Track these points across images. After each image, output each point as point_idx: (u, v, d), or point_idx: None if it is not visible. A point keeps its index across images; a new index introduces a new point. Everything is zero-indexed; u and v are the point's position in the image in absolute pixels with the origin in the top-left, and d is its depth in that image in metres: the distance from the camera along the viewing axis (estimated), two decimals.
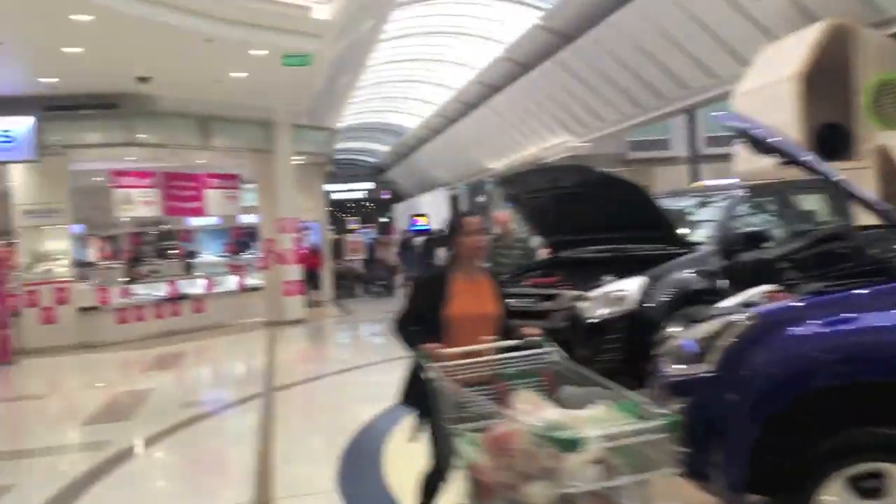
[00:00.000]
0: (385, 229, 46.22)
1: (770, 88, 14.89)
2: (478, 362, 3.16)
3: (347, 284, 22.63)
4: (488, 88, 31.71)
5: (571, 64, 24.25)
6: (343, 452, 6.36)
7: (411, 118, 44.00)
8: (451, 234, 3.67)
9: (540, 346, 3.38)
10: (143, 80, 13.34)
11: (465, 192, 45.51)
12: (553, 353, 3.32)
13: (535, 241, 14.81)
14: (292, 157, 16.76)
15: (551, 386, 3.02)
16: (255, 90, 14.91)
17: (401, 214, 51.39)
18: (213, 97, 14.87)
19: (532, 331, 3.50)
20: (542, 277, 7.15)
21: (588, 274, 6.77)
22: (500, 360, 3.19)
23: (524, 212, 7.35)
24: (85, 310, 14.55)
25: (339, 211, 50.30)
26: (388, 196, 56.03)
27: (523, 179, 7.15)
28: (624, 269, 6.57)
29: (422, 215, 28.72)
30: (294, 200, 16.82)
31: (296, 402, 8.84)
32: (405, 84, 37.28)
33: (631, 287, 6.14)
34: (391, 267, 22.17)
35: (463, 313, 3.48)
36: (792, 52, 14.97)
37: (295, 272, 16.68)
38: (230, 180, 17.34)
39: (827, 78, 14.16)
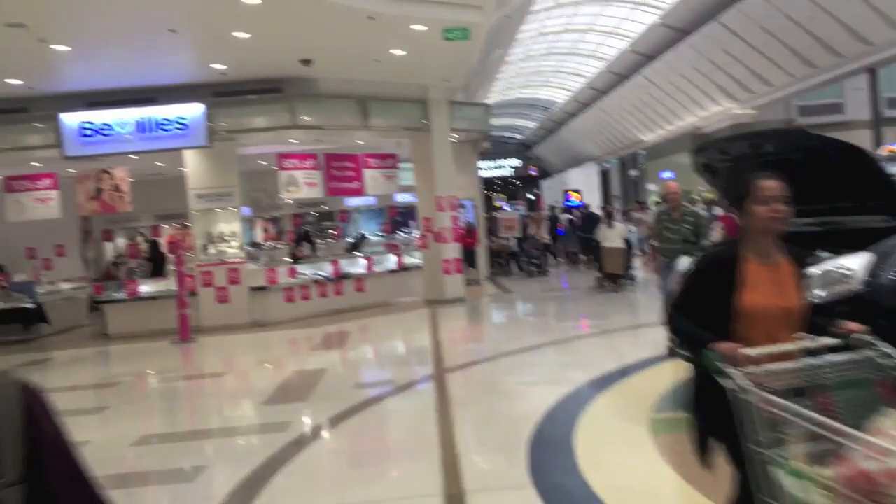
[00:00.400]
0: (533, 206, 45.67)
1: None
2: (788, 368, 2.40)
3: (502, 262, 22.32)
4: (642, 57, 30.37)
5: (734, 24, 22.68)
6: (530, 441, 5.98)
7: (560, 92, 43.03)
8: (739, 201, 2.95)
9: (869, 347, 2.60)
10: (306, 62, 13.43)
11: (616, 165, 44.18)
12: (891, 356, 2.53)
13: (706, 215, 13.88)
14: (449, 135, 16.53)
15: (890, 399, 2.34)
16: (413, 68, 14.75)
17: (548, 191, 50.59)
18: (371, 77, 14.84)
19: (856, 327, 2.72)
20: None
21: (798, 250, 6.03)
22: (817, 364, 2.43)
23: (720, 182, 6.66)
24: (255, 289, 14.97)
25: (486, 189, 50.14)
26: (534, 172, 55.35)
27: (721, 146, 6.44)
28: (841, 244, 5.80)
29: (576, 191, 27.89)
30: (451, 178, 16.60)
31: (469, 384, 8.56)
32: (554, 57, 36.36)
33: (855, 264, 5.37)
34: (544, 245, 21.39)
35: (760, 305, 2.77)
36: None
37: (454, 250, 16.50)
38: (388, 159, 17.33)
39: None
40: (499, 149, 54.24)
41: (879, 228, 5.91)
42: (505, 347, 10.31)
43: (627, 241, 16.93)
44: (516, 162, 54.14)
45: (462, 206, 19.36)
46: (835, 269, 5.42)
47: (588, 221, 22.71)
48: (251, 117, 14.85)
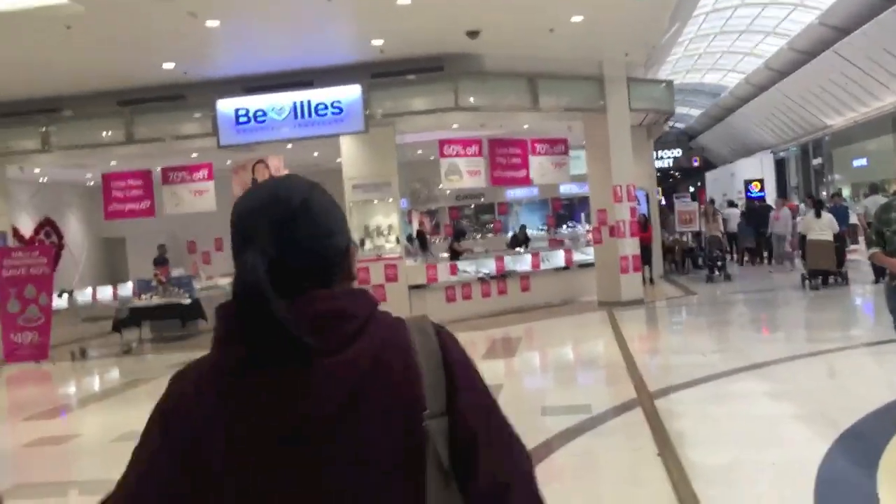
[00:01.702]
0: (696, 199, 42.50)
1: None
2: None
3: (677, 260, 20.05)
4: (832, 30, 26.95)
5: None
6: None
7: (731, 75, 39.64)
8: None
9: None
10: (472, 34, 11.90)
11: (795, 154, 40.23)
12: None
13: None
14: (627, 115, 14.56)
15: None
16: (591, 39, 12.94)
17: (712, 183, 47.08)
18: (541, 51, 13.11)
19: None
20: None
21: None
22: None
23: None
24: (414, 287, 13.66)
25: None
26: (696, 163, 51.89)
27: None
28: None
29: (758, 181, 25.09)
30: (629, 164, 14.63)
31: (691, 415, 6.68)
32: (727, 36, 33.26)
33: None
34: (718, 241, 17.99)
35: None
36: None
37: (632, 246, 14.54)
38: (557, 145, 15.61)
39: None
40: (658, 139, 51.22)
41: None
42: (721, 365, 8.33)
43: (838, 234, 14.38)
44: (677, 152, 50.85)
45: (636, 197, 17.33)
46: None
47: (753, 215, 19.92)
48: (410, 99, 13.50)
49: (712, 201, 22.65)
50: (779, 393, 7.08)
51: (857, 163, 31.65)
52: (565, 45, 13.02)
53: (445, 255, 16.45)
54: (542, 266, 15.55)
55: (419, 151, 16.84)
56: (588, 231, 17.30)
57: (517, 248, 17.68)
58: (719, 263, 16.82)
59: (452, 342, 1.23)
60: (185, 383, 1.19)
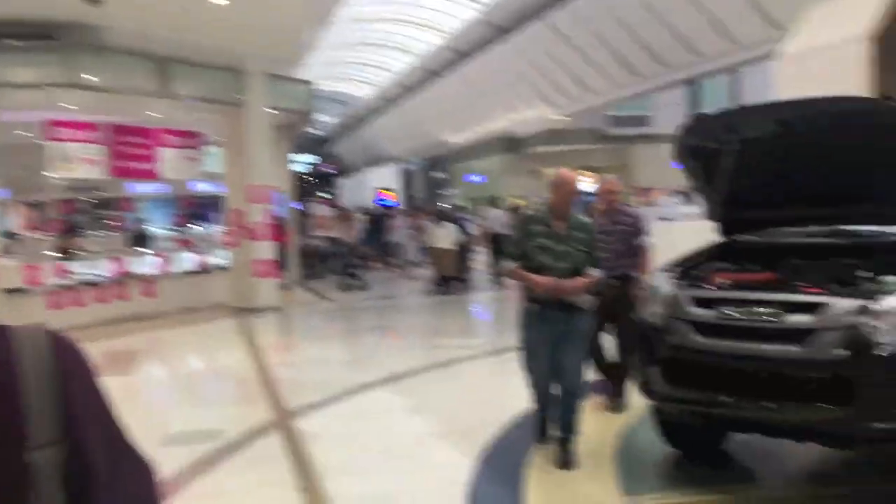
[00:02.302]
0: (331, 205, 43.23)
1: (829, 51, 12.78)
2: None
3: (314, 265, 19.78)
4: (457, 54, 29.05)
5: (561, 25, 21.79)
6: None
7: (365, 87, 40.96)
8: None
9: None
10: (93, 1, 10.26)
11: (421, 166, 42.81)
12: None
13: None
14: (266, 113, 13.83)
15: None
16: (232, 26, 12.00)
17: (346, 190, 48.36)
18: (176, 33, 11.86)
19: None
20: (741, 273, 4.71)
21: (821, 269, 4.38)
22: None
23: (714, 170, 4.82)
24: (10, 291, 11.46)
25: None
26: (331, 170, 52.85)
27: (729, 121, 4.64)
28: (878, 262, 4.22)
29: (389, 189, 25.99)
30: (267, 164, 13.93)
31: (335, 437, 6.15)
32: (364, 48, 34.22)
33: None
34: (355, 248, 17.73)
35: None
36: (860, 7, 12.90)
37: (268, 249, 13.85)
38: (191, 138, 14.34)
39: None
40: (296, 143, 51.22)
41: None
42: (360, 377, 7.98)
43: (462, 243, 15.44)
44: (314, 158, 51.26)
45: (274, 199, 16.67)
46: None
47: (375, 223, 20.54)
48: (13, 69, 11.35)
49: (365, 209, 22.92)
50: (420, 407, 6.90)
51: (473, 178, 34.60)
52: (204, 30, 11.93)
53: (54, 253, 14.20)
54: (171, 269, 14.16)
55: (22, 133, 14.35)
56: (223, 232, 16.23)
57: (140, 249, 15.94)
58: (355, 272, 16.76)
59: (73, 354, 1.03)
60: None
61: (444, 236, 15.10)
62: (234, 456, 5.67)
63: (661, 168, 29.19)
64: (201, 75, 13.05)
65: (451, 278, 15.12)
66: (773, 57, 13.82)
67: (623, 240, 5.90)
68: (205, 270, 14.56)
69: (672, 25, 18.67)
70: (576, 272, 4.59)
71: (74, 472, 0.94)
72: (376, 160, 45.61)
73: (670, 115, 29.55)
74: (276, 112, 14.23)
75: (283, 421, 6.53)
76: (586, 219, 4.92)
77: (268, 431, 6.25)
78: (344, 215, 18.54)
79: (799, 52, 13.17)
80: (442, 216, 16.02)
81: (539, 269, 4.58)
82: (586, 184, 20.52)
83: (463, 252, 15.48)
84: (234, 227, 13.74)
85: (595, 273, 4.68)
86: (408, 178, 43.65)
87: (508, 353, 8.72)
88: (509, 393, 7.10)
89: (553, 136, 28.00)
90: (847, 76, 11.64)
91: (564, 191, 4.69)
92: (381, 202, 23.74)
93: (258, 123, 13.61)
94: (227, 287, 13.93)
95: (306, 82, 15.65)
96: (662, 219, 19.38)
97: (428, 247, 15.65)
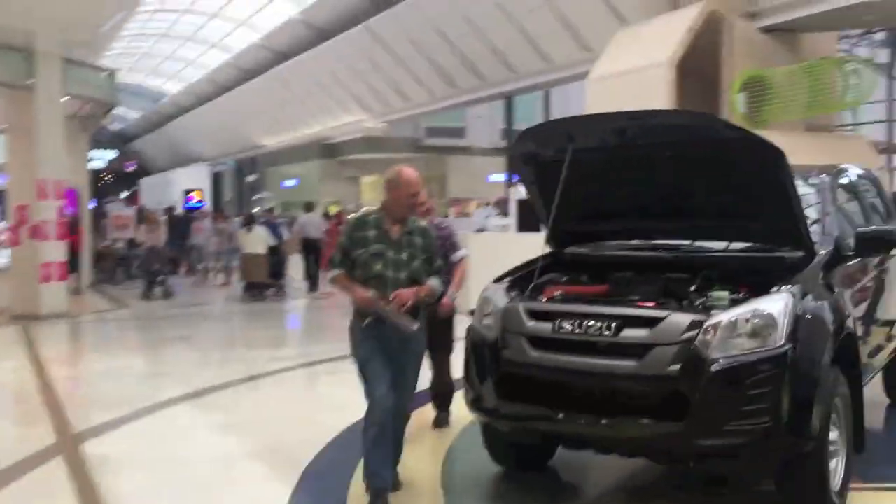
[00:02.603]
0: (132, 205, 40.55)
1: (635, 74, 13.46)
2: None
3: (109, 268, 18.28)
4: (275, 54, 28.19)
5: (382, 31, 21.65)
6: None
7: (171, 82, 38.83)
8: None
9: None
10: None
11: (232, 168, 41.10)
12: None
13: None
14: (60, 100, 12.53)
15: None
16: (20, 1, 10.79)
17: (148, 189, 45.57)
18: None
19: None
20: (574, 285, 4.63)
21: (651, 283, 4.40)
22: None
23: (545, 182, 4.71)
24: None
25: None
26: (131, 168, 49.71)
27: (565, 130, 4.51)
28: (704, 277, 4.30)
29: (196, 190, 24.65)
30: (61, 156, 12.61)
31: (132, 465, 5.45)
32: (172, 40, 32.41)
33: (774, 308, 3.84)
34: (161, 253, 15.70)
35: None
36: (663, 36, 13.63)
37: (57, 251, 12.52)
38: None
39: (696, 68, 13.05)
40: (91, 138, 47.62)
41: (759, 259, 4.51)
42: (159, 392, 7.24)
43: (274, 246, 14.85)
44: (111, 154, 47.96)
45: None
46: (749, 315, 3.80)
47: (177, 226, 19.30)
48: None
49: (169, 210, 21.33)
50: (229, 426, 6.32)
51: (287, 182, 33.66)
52: None
53: None
54: None
55: None
56: (4, 230, 14.57)
57: None
58: (160, 278, 15.20)
59: None
60: None
61: (255, 241, 14.39)
62: (9, 486, 4.87)
63: (476, 180, 29.91)
64: None
65: (261, 285, 14.45)
66: (585, 77, 14.49)
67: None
68: None
69: (490, 41, 19.07)
70: (414, 282, 4.24)
71: None
72: (184, 159, 43.36)
73: (485, 128, 30.37)
74: (73, 102, 12.94)
75: (68, 444, 5.75)
76: (424, 222, 4.54)
77: (49, 457, 5.45)
78: (148, 216, 17.09)
79: (607, 75, 13.88)
80: (251, 220, 15.26)
81: (376, 279, 4.17)
82: None
83: (275, 257, 14.83)
84: (18, 224, 12.31)
85: (435, 283, 4.35)
86: (218, 179, 41.81)
87: (323, 365, 8.38)
88: (326, 408, 6.74)
89: (369, 143, 27.81)
90: (651, 97, 12.37)
91: (404, 192, 4.25)
92: (189, 205, 22.41)
93: (51, 111, 12.29)
94: (7, 291, 12.46)
95: (109, 70, 14.33)
96: (479, 230, 19.72)
97: (238, 252, 14.89)
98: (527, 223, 13.28)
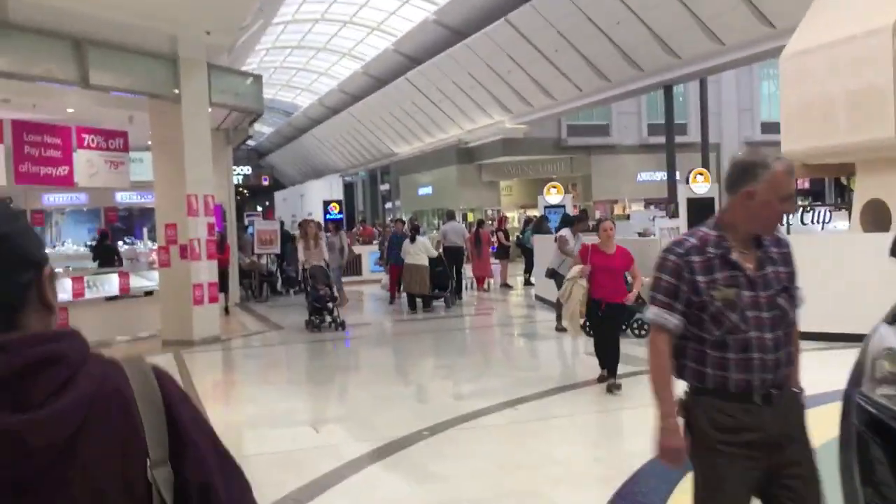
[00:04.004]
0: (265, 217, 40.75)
1: (846, 45, 11.34)
2: None
3: (254, 285, 17.54)
4: (405, 59, 27.18)
5: (523, 25, 20.12)
6: None
7: (304, 95, 38.71)
8: None
9: None
10: None
11: (363, 178, 40.67)
12: None
13: None
14: (207, 108, 11.64)
15: None
16: (163, 2, 9.90)
17: (282, 203, 45.87)
18: (96, 8, 9.62)
19: None
20: None
21: None
22: None
23: None
24: None
25: None
26: (266, 182, 50.38)
27: None
28: None
29: (336, 202, 23.95)
30: (208, 170, 11.74)
31: None
32: (303, 52, 32.03)
33: None
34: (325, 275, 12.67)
35: None
36: None
37: (209, 271, 11.63)
38: (115, 138, 12.01)
39: None
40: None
41: None
42: (346, 445, 5.93)
43: (437, 258, 14.09)
44: (246, 169, 48.70)
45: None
46: None
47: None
48: None
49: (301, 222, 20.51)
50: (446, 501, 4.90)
51: (422, 190, 32.69)
52: (130, 6, 9.75)
53: None
54: (88, 294, 11.82)
55: None
56: (152, 250, 13.93)
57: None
58: (330, 306, 11.90)
59: (173, 385, 1.10)
60: None
61: (418, 251, 13.71)
62: None
63: (623, 179, 27.94)
64: (129, 62, 10.77)
65: (423, 296, 13.93)
66: (765, 57, 12.44)
67: None
68: (131, 295, 12.27)
69: (648, 25, 17.17)
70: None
71: (190, 489, 1.03)
72: (315, 172, 43.33)
73: (631, 125, 28.30)
74: (219, 110, 12.06)
75: None
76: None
77: None
78: (309, 231, 12.83)
79: (807, 49, 11.83)
80: (416, 230, 14.57)
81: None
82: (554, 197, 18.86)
83: (440, 268, 14.22)
84: (168, 243, 11.48)
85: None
86: (350, 190, 41.50)
87: (527, 407, 6.68)
88: (558, 478, 5.16)
89: (508, 146, 26.35)
90: (870, 71, 10.34)
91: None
92: (330, 216, 21.68)
93: (198, 121, 11.41)
94: (156, 315, 11.66)
95: (254, 76, 13.37)
96: (641, 233, 17.82)
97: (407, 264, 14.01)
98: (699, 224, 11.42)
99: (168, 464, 1.01)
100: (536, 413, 6.62)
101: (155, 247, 12.48)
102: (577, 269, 7.36)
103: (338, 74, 33.08)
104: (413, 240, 13.83)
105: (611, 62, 19.00)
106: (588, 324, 7.69)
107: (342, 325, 11.82)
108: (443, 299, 14.18)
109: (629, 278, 7.48)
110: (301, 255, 12.52)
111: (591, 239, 11.20)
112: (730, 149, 27.39)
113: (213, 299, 11.68)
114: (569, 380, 7.89)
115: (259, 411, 7.39)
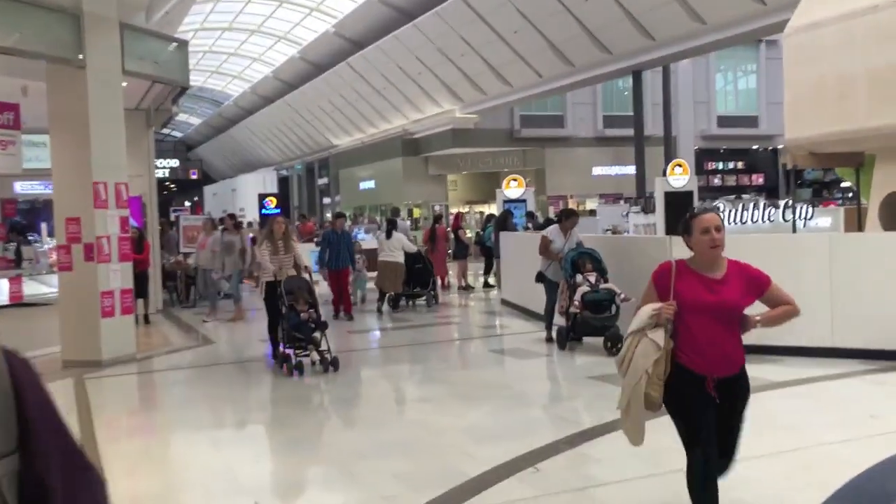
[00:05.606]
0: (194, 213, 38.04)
1: (859, 19, 9.96)
2: None
3: (180, 288, 15.31)
4: (347, 43, 25.11)
5: (478, 4, 18.33)
6: None
7: (235, 83, 36.13)
8: None
9: None
10: None
11: (300, 172, 38.27)
12: None
13: None
14: (120, 77, 9.47)
15: None
16: None
17: (212, 198, 43.17)
18: None
19: None
20: None
21: None
22: None
23: None
24: None
25: None
26: (195, 176, 47.47)
27: None
28: None
29: (273, 195, 21.83)
30: (121, 152, 9.57)
31: None
32: (233, 34, 29.54)
33: None
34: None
35: None
36: None
37: (123, 276, 9.47)
38: (1, 112, 9.74)
39: None
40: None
41: None
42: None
43: (416, 254, 13.27)
44: (174, 162, 45.71)
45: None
46: None
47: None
48: None
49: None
50: None
51: (364, 185, 30.63)
52: None
53: None
54: None
55: None
56: (52, 250, 11.67)
57: None
58: (317, 336, 8.15)
59: (25, 368, 1.05)
60: None
61: (394, 247, 12.76)
62: None
63: (578, 173, 26.48)
64: (21, 18, 8.58)
65: (397, 295, 12.97)
66: (764, 34, 11.00)
67: None
68: (24, 305, 10.04)
69: (621, 3, 15.59)
70: None
71: (31, 484, 0.96)
72: (248, 166, 40.79)
73: (587, 116, 26.83)
74: (136, 82, 9.91)
75: None
76: None
77: None
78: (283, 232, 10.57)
79: (813, 23, 10.42)
80: (393, 224, 13.49)
81: None
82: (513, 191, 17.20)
83: (420, 265, 13.40)
84: (69, 242, 9.29)
85: None
86: (285, 184, 39.07)
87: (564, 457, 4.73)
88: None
89: (458, 137, 24.57)
90: (888, 45, 9.01)
91: None
92: (267, 211, 19.59)
93: (108, 92, 9.25)
94: (56, 329, 9.45)
95: (179, 41, 11.02)
96: (609, 230, 16.30)
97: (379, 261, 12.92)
98: (677, 222, 9.82)
99: (16, 454, 0.95)
100: (571, 473, 4.78)
101: (55, 246, 10.18)
102: (646, 310, 3.43)
103: (272, 60, 30.77)
104: (389, 235, 12.79)
105: (575, 44, 17.37)
106: (672, 408, 3.45)
107: (335, 365, 8.02)
108: (424, 298, 13.18)
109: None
110: (266, 263, 8.60)
111: (588, 239, 9.39)
112: (686, 142, 26.22)
113: (126, 310, 9.52)
114: (596, 416, 5.99)
115: (183, 472, 5.36)
